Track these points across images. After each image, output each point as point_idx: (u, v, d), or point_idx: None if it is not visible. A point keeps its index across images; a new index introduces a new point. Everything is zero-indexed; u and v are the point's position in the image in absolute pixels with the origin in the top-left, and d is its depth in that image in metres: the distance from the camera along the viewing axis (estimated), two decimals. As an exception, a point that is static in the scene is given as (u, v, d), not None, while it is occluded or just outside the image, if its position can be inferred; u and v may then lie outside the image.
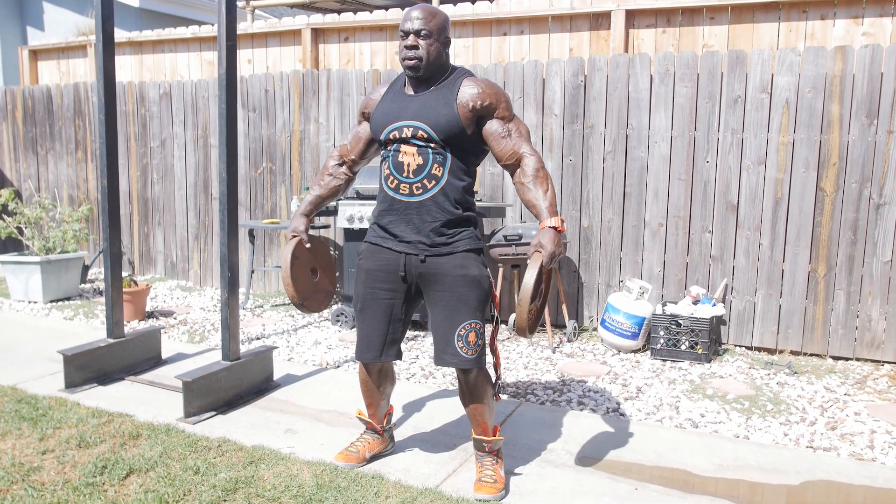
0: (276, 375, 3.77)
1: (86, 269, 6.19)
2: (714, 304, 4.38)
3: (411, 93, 2.49)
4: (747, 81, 4.34)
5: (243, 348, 4.31)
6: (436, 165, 2.41)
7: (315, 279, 2.76)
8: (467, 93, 2.43)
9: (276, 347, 3.69)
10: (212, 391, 3.24)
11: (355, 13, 5.77)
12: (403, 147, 2.43)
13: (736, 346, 4.53)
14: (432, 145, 2.41)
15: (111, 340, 3.70)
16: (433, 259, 2.45)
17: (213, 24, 6.59)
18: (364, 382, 2.70)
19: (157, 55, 6.78)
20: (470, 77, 2.50)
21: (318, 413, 3.27)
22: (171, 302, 5.61)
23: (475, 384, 2.53)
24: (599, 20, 4.91)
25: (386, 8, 5.93)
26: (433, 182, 2.41)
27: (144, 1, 8.41)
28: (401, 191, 2.44)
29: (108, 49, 3.52)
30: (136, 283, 4.97)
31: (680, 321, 4.20)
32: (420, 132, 2.41)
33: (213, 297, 5.78)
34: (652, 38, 4.80)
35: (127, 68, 6.96)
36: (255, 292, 6.03)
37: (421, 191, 2.42)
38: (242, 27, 6.20)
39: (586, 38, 4.97)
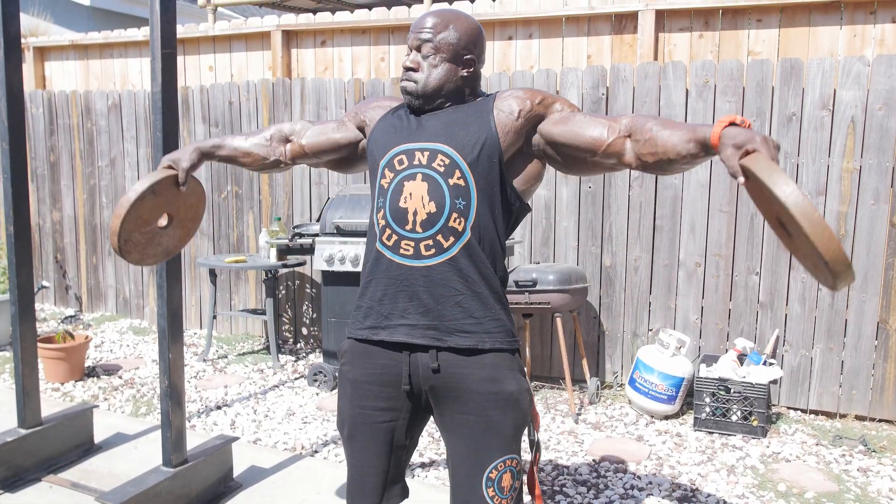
0: (238, 468, 2.99)
1: (21, 308, 5.32)
2: (765, 362, 3.67)
3: (427, 115, 1.76)
4: (804, 96, 3.64)
5: (199, 424, 3.52)
6: (455, 215, 1.65)
7: (161, 227, 1.96)
8: (509, 98, 1.73)
9: (238, 438, 2.91)
10: (148, 510, 2.45)
11: (333, 13, 5.00)
12: (409, 186, 1.67)
13: (789, 408, 3.82)
14: (452, 183, 1.65)
15: (23, 432, 2.89)
16: (451, 365, 1.69)
17: (180, 25, 5.76)
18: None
19: (105, 60, 5.94)
20: (507, 90, 1.79)
21: (289, 535, 2.50)
22: (119, 351, 4.78)
23: (509, 536, 1.77)
24: (623, 22, 4.19)
25: (369, 7, 5.16)
26: (451, 239, 1.65)
27: (96, -1, 7.55)
28: (402, 250, 1.68)
29: (13, 57, 2.72)
30: (71, 335, 4.15)
31: (730, 386, 3.48)
32: (440, 157, 1.66)
33: (169, 344, 4.95)
34: (686, 43, 4.08)
35: (71, 75, 6.10)
36: (219, 335, 5.22)
37: (433, 251, 1.66)
38: (203, 28, 5.39)
39: (607, 43, 4.25)
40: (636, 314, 4.06)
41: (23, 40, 6.23)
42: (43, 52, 6.19)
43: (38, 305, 5.94)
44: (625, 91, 3.93)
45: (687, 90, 3.83)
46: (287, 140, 2.00)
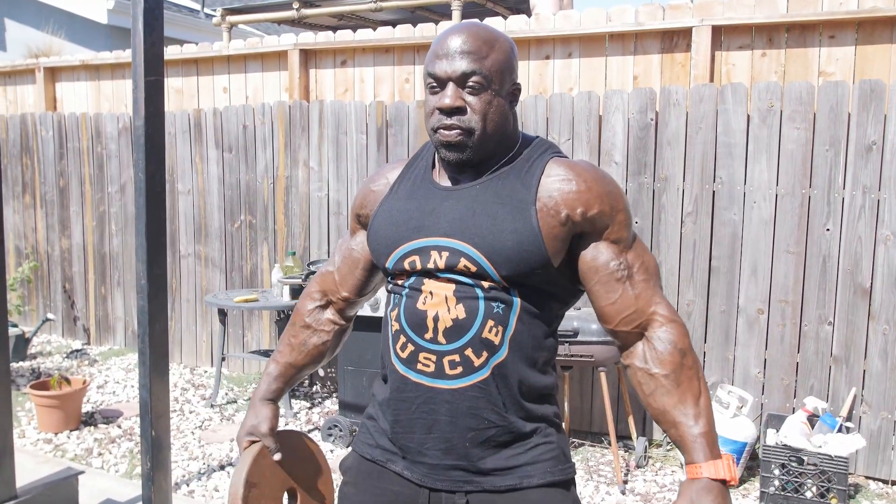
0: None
1: (25, 343, 5.04)
2: (841, 427, 3.20)
3: (446, 183, 1.32)
4: (886, 123, 3.19)
5: (198, 489, 3.14)
6: (491, 323, 1.23)
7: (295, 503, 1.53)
8: (556, 188, 1.25)
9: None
10: None
11: (354, 31, 4.66)
12: (429, 283, 1.26)
13: (868, 478, 3.34)
14: (486, 285, 1.25)
15: (-7, 508, 2.54)
16: (484, 503, 1.28)
17: (195, 44, 5.47)
18: None
19: (116, 81, 5.67)
20: (558, 157, 1.30)
21: None
22: (123, 393, 4.45)
23: None
24: (675, 39, 3.77)
25: (393, 24, 4.81)
26: (484, 354, 1.23)
27: (114, 17, 7.33)
28: (420, 365, 1.26)
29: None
30: (67, 380, 3.82)
31: (803, 457, 3.02)
32: (463, 262, 1.23)
33: (175, 384, 4.60)
34: (747, 62, 3.65)
35: (82, 97, 5.85)
36: (231, 374, 4.86)
37: (460, 370, 1.24)
38: (217, 48, 5.09)
39: (656, 63, 3.83)
40: (689, 365, 3.61)
41: (34, 60, 6.02)
42: (54, 73, 5.95)
43: (44, 337, 5.66)
44: (677, 116, 3.52)
45: (748, 115, 3.40)
46: (327, 302, 1.52)
